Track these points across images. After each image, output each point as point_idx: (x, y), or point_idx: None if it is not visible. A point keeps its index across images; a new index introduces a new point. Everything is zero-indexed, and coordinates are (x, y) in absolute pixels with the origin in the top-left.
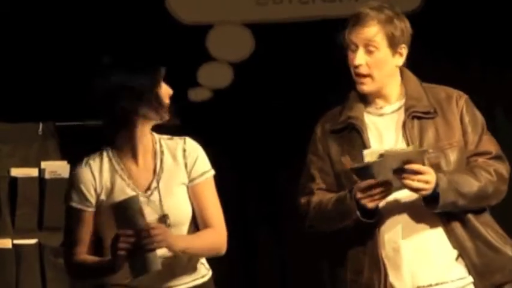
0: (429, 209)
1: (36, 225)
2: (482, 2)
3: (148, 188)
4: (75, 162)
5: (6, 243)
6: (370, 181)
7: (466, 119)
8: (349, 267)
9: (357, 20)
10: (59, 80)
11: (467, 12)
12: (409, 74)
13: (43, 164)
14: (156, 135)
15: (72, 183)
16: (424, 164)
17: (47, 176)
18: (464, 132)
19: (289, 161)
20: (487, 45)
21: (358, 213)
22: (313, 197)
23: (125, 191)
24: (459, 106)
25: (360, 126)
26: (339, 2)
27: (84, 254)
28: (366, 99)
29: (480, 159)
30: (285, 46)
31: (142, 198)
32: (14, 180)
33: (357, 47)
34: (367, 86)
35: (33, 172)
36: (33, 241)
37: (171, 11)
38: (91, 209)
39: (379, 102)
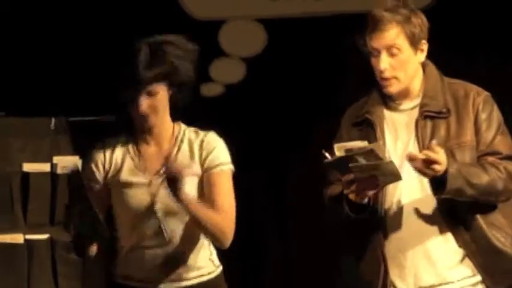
0: (436, 194)
1: (48, 220)
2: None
3: (158, 173)
4: (86, 157)
5: (18, 238)
6: (350, 176)
7: (482, 116)
8: (355, 261)
9: (374, 25)
10: (72, 74)
11: (480, 7)
12: (431, 69)
13: (55, 159)
14: (183, 125)
15: (86, 162)
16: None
17: (59, 171)
18: (477, 131)
19: (301, 156)
20: (500, 41)
21: (346, 207)
22: (329, 188)
23: (133, 170)
24: (475, 105)
25: (374, 122)
26: None
27: None
28: (387, 94)
29: (490, 158)
30: (297, 41)
31: (144, 180)
32: (26, 175)
33: (379, 52)
34: (393, 88)
35: (45, 167)
36: (45, 236)
37: (184, 6)
38: (98, 186)
39: (399, 97)
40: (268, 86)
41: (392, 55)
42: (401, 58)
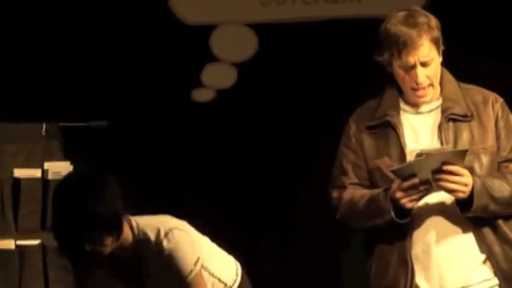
0: (462, 213)
1: (40, 225)
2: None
3: None
4: (78, 163)
5: (10, 243)
6: (415, 181)
7: (501, 123)
8: (375, 262)
9: (404, 43)
10: (63, 80)
11: (474, 8)
12: (447, 74)
13: (46, 165)
14: None
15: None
16: (463, 165)
17: (50, 176)
18: (497, 137)
19: (294, 161)
20: (496, 42)
21: (392, 213)
22: (345, 192)
23: None
24: (495, 110)
25: (396, 124)
26: (342, 2)
27: None
28: (403, 97)
29: (511, 165)
30: (289, 46)
31: None
32: (17, 180)
33: (414, 66)
34: (429, 95)
35: (37, 173)
36: (36, 242)
37: (175, 11)
38: None
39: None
40: (260, 91)
41: (426, 66)
42: (434, 66)
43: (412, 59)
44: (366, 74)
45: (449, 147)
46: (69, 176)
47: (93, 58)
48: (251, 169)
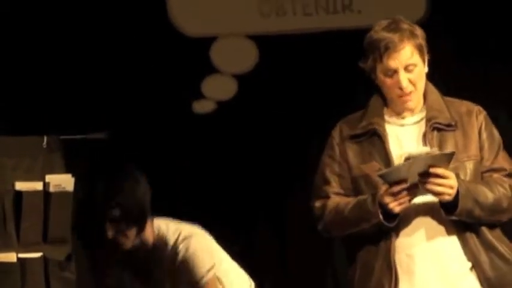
0: (446, 215)
1: (41, 238)
2: (484, 9)
3: None
4: (79, 175)
5: (11, 256)
6: (403, 185)
7: (484, 135)
8: (358, 268)
9: (386, 47)
10: (64, 93)
11: (473, 19)
12: (431, 86)
13: (47, 178)
14: None
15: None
16: (448, 169)
17: (51, 189)
18: (481, 148)
19: (295, 172)
20: (494, 52)
21: (381, 217)
22: (329, 201)
23: None
24: (479, 121)
25: (382, 132)
26: (342, 13)
27: None
28: (388, 109)
29: (495, 175)
30: (289, 58)
31: None
32: (19, 193)
33: (397, 71)
34: (413, 101)
35: (38, 186)
36: (38, 254)
37: (175, 23)
38: None
39: (402, 112)
40: (260, 102)
41: (409, 71)
42: (417, 72)
43: (393, 63)
44: (368, 85)
45: (435, 150)
46: (108, 163)
47: (94, 70)
48: (252, 180)
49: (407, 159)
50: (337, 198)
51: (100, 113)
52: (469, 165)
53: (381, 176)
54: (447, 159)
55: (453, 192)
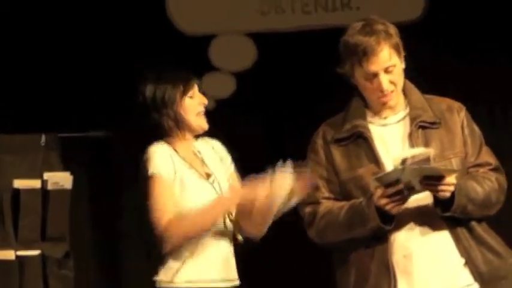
0: (440, 212)
1: (40, 236)
2: (481, 7)
3: (209, 176)
4: (77, 173)
5: (10, 254)
6: (399, 186)
7: (466, 131)
8: (353, 271)
9: (364, 52)
10: (62, 91)
11: (468, 17)
12: (409, 83)
13: (46, 175)
14: None
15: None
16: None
17: (49, 187)
18: (464, 144)
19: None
20: (491, 50)
21: (378, 220)
22: (320, 207)
23: (191, 177)
24: (460, 117)
25: (367, 134)
26: (341, 11)
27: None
28: (369, 109)
29: (481, 170)
30: (288, 55)
31: (208, 184)
32: (17, 191)
33: (377, 74)
34: (393, 100)
35: (36, 183)
36: (36, 252)
37: (174, 21)
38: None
39: (385, 112)
40: (259, 100)
41: (389, 72)
42: (396, 72)
43: (373, 67)
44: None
45: (431, 150)
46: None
47: (92, 68)
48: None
49: (403, 161)
50: (328, 203)
51: (98, 111)
52: (456, 162)
53: (377, 179)
54: (447, 172)
55: (452, 188)
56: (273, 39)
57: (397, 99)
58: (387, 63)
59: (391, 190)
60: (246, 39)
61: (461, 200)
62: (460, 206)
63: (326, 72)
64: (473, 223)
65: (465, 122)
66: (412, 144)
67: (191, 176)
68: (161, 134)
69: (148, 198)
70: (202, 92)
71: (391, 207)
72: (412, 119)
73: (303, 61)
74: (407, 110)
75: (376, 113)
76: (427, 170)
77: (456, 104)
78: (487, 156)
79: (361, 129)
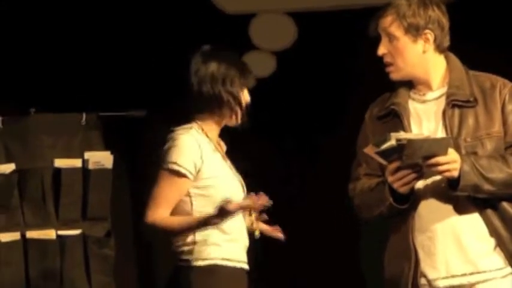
0: (451, 192)
1: (80, 215)
2: None
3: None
4: (118, 152)
5: (51, 233)
6: (396, 164)
7: (509, 107)
8: (387, 250)
9: (381, 11)
10: (103, 70)
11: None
12: (455, 61)
13: (86, 155)
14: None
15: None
16: (446, 152)
17: (90, 166)
18: (504, 122)
19: (332, 149)
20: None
21: (391, 198)
22: (359, 183)
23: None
24: (502, 95)
25: (401, 112)
26: None
27: None
28: (411, 85)
29: None
30: (328, 34)
31: (234, 175)
32: (58, 170)
33: (381, 37)
34: (393, 74)
35: (77, 163)
36: (77, 231)
37: (214, 0)
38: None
39: (422, 89)
40: (299, 78)
41: (390, 41)
42: (397, 45)
43: (379, 28)
44: None
45: (422, 134)
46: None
47: (133, 47)
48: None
49: (399, 140)
50: (364, 180)
51: (140, 91)
52: (489, 143)
53: (378, 154)
54: (445, 144)
55: (458, 166)
56: (313, 18)
57: (399, 75)
58: (386, 28)
59: (391, 166)
60: (286, 18)
61: (471, 178)
62: (470, 185)
63: (366, 50)
64: (504, 204)
65: (507, 99)
66: (446, 122)
67: (222, 163)
68: (199, 114)
69: (155, 184)
70: None
71: (398, 186)
72: (447, 97)
73: (343, 40)
74: (446, 88)
75: (416, 88)
76: (417, 142)
77: (500, 81)
78: None
79: (395, 107)
